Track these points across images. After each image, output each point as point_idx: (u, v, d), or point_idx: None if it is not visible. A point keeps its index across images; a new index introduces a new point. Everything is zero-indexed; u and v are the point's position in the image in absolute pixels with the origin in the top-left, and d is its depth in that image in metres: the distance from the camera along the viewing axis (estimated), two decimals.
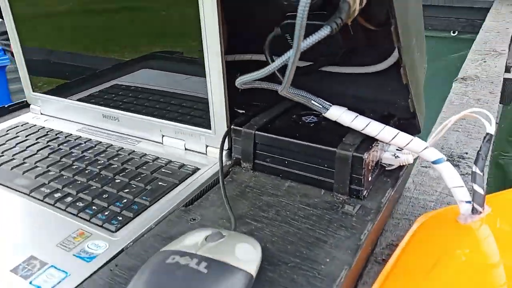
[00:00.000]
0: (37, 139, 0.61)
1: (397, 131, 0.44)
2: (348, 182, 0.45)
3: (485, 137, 0.41)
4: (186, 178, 0.49)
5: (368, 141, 0.46)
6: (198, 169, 0.51)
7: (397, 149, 0.50)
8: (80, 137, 0.61)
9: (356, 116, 0.45)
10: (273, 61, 0.52)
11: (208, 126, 0.52)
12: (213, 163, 0.52)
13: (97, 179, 0.49)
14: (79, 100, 0.64)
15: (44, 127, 0.65)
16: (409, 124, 0.54)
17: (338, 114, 0.44)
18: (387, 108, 0.52)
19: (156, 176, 0.50)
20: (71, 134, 0.62)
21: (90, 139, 0.60)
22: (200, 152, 0.55)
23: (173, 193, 0.47)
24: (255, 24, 0.56)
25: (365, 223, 0.41)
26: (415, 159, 0.51)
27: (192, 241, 0.35)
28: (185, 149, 0.56)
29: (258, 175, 0.50)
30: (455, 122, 0.45)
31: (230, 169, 0.52)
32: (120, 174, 0.50)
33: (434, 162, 0.43)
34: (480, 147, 0.41)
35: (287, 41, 0.48)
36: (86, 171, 0.51)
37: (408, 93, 0.45)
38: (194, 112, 0.53)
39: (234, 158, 0.52)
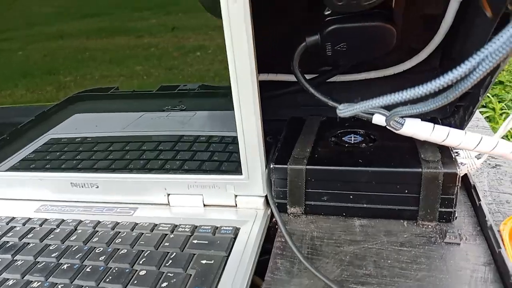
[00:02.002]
0: None
1: (480, 135, 0.37)
2: (438, 205, 0.37)
3: None
4: (232, 246, 0.37)
5: (446, 152, 0.38)
6: (238, 229, 0.39)
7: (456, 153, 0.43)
8: (46, 219, 0.45)
9: (434, 127, 0.37)
10: (303, 77, 0.43)
11: (238, 171, 0.41)
12: (250, 217, 0.41)
13: (110, 278, 0.35)
14: (32, 169, 0.48)
15: None
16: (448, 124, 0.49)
17: (415, 127, 0.36)
18: None
19: (190, 252, 0.37)
20: (30, 219, 0.45)
21: (63, 220, 0.44)
22: (227, 206, 0.43)
23: (230, 271, 0.34)
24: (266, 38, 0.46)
25: (482, 249, 0.34)
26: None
27: None
28: (204, 205, 0.43)
29: (315, 219, 0.40)
30: None
31: (275, 220, 0.41)
32: (140, 262, 0.36)
33: None
34: None
35: (325, 51, 0.39)
36: (87, 272, 0.36)
37: None
38: (214, 156, 0.41)
39: (277, 205, 0.41)
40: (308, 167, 0.39)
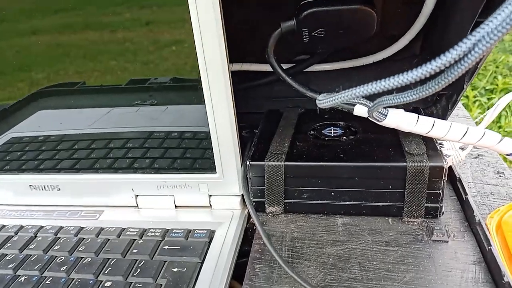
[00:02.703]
0: None
1: (466, 126, 0.35)
2: (424, 201, 0.35)
3: None
4: (207, 251, 0.34)
5: (431, 144, 0.36)
6: (213, 232, 0.36)
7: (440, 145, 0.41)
8: (4, 226, 0.41)
9: (418, 118, 0.34)
10: (280, 67, 0.40)
11: (211, 169, 0.38)
12: (226, 218, 0.38)
13: None
14: None
15: None
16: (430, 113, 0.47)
17: (399, 118, 0.34)
18: None
19: (161, 259, 0.34)
20: None
21: (22, 226, 0.40)
22: (201, 207, 0.40)
23: (204, 280, 0.32)
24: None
25: (471, 247, 0.32)
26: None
27: None
28: (176, 206, 0.40)
29: (295, 218, 0.38)
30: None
31: (252, 220, 0.38)
32: (106, 272, 0.33)
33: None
34: None
35: (301, 38, 0.36)
36: (47, 284, 0.33)
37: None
38: (186, 154, 0.38)
39: (254, 204, 0.38)
40: (286, 163, 0.36)
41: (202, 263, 0.33)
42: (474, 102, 2.03)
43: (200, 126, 0.36)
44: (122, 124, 0.39)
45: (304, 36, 0.36)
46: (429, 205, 0.35)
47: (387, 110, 0.33)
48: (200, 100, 0.34)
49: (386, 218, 0.37)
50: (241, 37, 0.48)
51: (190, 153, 0.38)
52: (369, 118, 0.34)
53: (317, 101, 0.32)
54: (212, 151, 0.37)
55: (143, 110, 0.38)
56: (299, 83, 0.40)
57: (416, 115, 0.34)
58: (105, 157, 0.40)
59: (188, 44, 0.31)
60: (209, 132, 0.35)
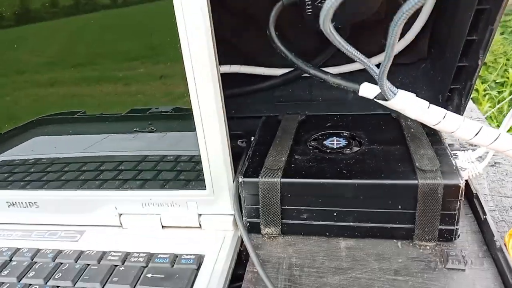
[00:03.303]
0: None
1: (480, 124, 0.31)
2: (437, 222, 0.31)
3: None
4: (194, 280, 0.31)
5: (445, 158, 0.32)
6: (202, 257, 0.33)
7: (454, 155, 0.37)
8: None
9: (429, 105, 0.30)
10: (281, 43, 0.36)
11: (201, 185, 0.34)
12: (216, 241, 0.35)
13: None
14: None
15: None
16: None
17: (408, 101, 0.29)
18: None
19: None
20: None
21: None
22: (189, 227, 0.36)
23: None
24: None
25: (491, 276, 0.28)
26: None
27: None
28: (162, 226, 0.37)
29: (293, 241, 0.34)
30: None
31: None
32: None
33: None
34: None
35: (305, 10, 0.32)
36: None
37: None
38: (173, 168, 0.35)
39: (248, 225, 0.35)
40: (283, 180, 0.32)
41: None
42: (484, 95, 1.98)
43: (187, 137, 0.32)
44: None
45: (307, 7, 0.32)
46: (443, 227, 0.31)
47: (398, 89, 0.29)
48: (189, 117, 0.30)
49: (395, 241, 0.33)
50: (241, 36, 0.45)
51: (178, 167, 0.34)
52: (375, 99, 0.30)
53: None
54: (202, 165, 0.33)
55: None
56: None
57: (428, 102, 0.30)
58: (92, 175, 0.37)
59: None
60: (198, 142, 0.32)
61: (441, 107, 0.43)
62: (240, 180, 0.33)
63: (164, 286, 0.30)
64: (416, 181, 0.30)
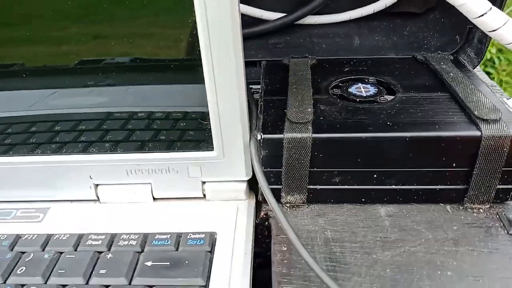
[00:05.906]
0: None
1: None
2: (496, 181, 0.26)
3: None
4: (211, 268, 0.24)
5: (501, 106, 0.27)
6: (214, 235, 0.26)
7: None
8: None
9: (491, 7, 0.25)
10: None
11: (207, 145, 0.27)
12: (228, 215, 0.28)
13: None
14: None
15: None
16: None
17: None
18: None
19: (145, 284, 0.23)
20: None
21: None
22: (189, 198, 0.29)
23: None
24: None
25: None
26: None
27: None
28: (154, 199, 0.29)
29: (322, 210, 0.28)
30: None
31: (266, 214, 0.28)
32: None
33: None
34: None
35: None
36: None
37: None
38: (172, 125, 0.27)
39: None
40: (315, 135, 0.26)
41: (206, 287, 0.23)
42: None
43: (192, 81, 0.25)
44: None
45: None
46: (501, 186, 0.27)
47: None
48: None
49: (442, 205, 0.28)
50: None
51: (177, 125, 0.27)
52: None
53: None
54: (209, 118, 0.25)
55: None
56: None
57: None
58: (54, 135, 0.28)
59: None
60: (205, 89, 0.24)
61: (460, 48, 0.39)
62: (258, 137, 0.26)
63: (172, 277, 0.23)
64: (479, 133, 0.25)
